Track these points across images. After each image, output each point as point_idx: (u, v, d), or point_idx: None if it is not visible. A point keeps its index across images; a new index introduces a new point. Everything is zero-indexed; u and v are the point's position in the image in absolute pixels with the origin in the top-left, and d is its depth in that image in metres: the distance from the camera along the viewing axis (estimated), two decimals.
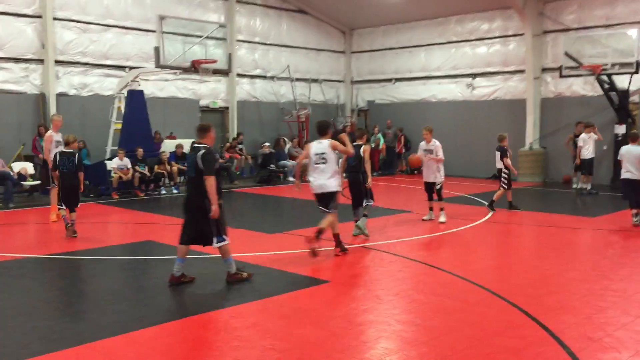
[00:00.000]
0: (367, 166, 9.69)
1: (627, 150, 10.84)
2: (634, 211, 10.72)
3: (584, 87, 17.93)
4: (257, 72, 21.23)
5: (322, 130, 8.70)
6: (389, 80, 22.80)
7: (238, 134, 19.87)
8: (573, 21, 18.09)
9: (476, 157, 19.22)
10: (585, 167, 15.32)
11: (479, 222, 11.35)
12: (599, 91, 16.79)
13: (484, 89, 20.23)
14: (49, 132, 11.63)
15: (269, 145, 19.45)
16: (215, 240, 6.96)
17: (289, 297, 6.57)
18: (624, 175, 10.81)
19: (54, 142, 11.24)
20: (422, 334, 5.45)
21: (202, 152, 6.84)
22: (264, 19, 21.25)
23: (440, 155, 11.16)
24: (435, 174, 11.22)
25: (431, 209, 11.46)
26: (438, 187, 11.24)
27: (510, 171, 12.34)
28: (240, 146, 19.41)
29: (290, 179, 18.82)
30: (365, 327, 5.66)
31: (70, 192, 9.94)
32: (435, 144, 11.19)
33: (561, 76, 17.21)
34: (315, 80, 22.78)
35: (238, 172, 18.87)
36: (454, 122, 20.25)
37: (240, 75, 20.61)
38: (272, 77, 21.56)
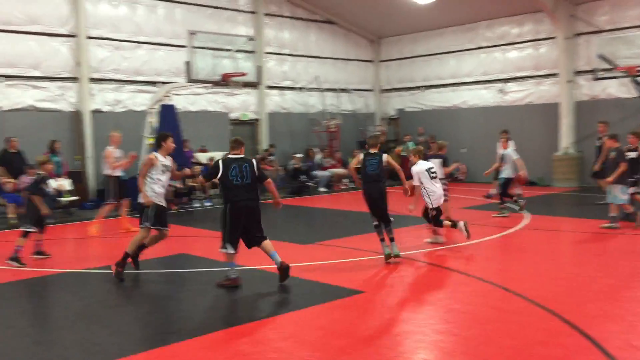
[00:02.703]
0: (401, 174, 9.35)
1: None
2: None
3: (619, 89, 17.54)
4: (286, 83, 21.37)
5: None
6: (419, 87, 22.70)
7: (270, 146, 19.99)
8: (606, 22, 17.76)
9: None
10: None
11: (513, 229, 11.16)
12: (635, 93, 16.42)
13: (516, 94, 19.99)
14: (110, 147, 11.98)
15: (299, 157, 19.43)
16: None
17: (324, 308, 6.55)
18: None
19: (113, 158, 11.71)
20: (461, 344, 5.36)
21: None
22: (292, 30, 21.40)
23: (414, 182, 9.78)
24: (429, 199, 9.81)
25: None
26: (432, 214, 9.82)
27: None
28: (271, 157, 19.51)
29: (321, 189, 18.82)
30: (402, 338, 5.60)
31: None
32: (413, 169, 9.91)
33: (596, 79, 16.90)
34: (344, 90, 22.81)
35: None
36: (486, 128, 20.01)
37: (269, 87, 20.76)
38: (301, 88, 21.67)
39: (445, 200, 10.92)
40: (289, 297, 7.00)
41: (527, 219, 12.07)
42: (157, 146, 8.44)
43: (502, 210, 12.62)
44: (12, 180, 13.79)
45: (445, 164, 11.27)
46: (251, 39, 17.67)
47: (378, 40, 23.89)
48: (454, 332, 5.70)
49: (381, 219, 8.67)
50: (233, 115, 19.94)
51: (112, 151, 11.85)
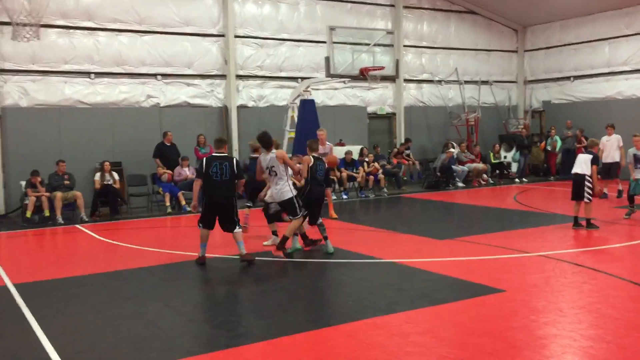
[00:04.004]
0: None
1: None
2: None
3: None
4: (424, 76, 21.06)
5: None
6: (568, 78, 21.30)
7: (406, 140, 19.85)
8: None
9: None
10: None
11: None
12: None
13: None
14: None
15: (453, 151, 18.88)
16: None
17: (462, 304, 6.39)
18: None
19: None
20: (614, 353, 4.98)
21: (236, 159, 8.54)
22: (431, 22, 21.03)
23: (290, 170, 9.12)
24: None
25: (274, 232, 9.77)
26: (272, 211, 9.45)
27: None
28: (407, 152, 19.37)
29: (459, 184, 18.36)
30: (547, 341, 5.31)
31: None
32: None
33: None
34: (485, 82, 22.02)
35: (405, 178, 18.82)
36: None
37: (407, 81, 20.60)
38: (439, 81, 21.25)
39: (587, 202, 10.24)
40: (427, 292, 6.91)
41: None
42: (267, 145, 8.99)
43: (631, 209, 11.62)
44: (168, 171, 14.99)
45: (593, 162, 10.50)
46: (389, 32, 17.62)
47: (523, 29, 22.74)
48: (607, 339, 5.30)
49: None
50: (370, 109, 20.05)
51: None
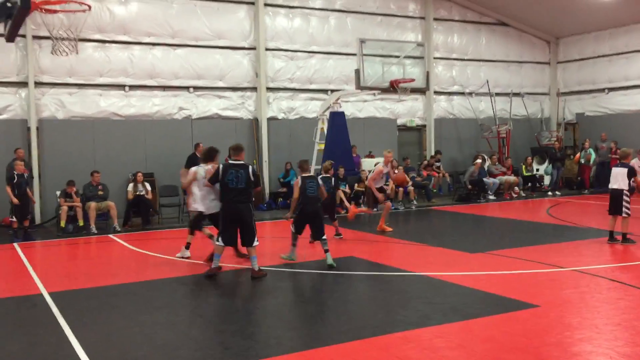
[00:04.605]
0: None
1: None
2: None
3: None
4: (454, 88, 20.96)
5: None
6: (602, 90, 20.97)
7: (436, 152, 19.73)
8: None
9: None
10: None
11: None
12: None
13: None
14: (380, 164, 12.70)
15: (480, 161, 18.65)
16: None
17: (494, 319, 6.30)
18: None
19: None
20: None
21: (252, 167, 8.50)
22: (462, 34, 20.95)
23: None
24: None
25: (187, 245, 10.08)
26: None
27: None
28: (437, 164, 19.24)
29: (490, 196, 18.15)
30: (582, 358, 5.20)
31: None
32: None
33: None
34: (516, 94, 21.79)
35: (435, 190, 18.69)
36: None
37: (437, 93, 20.52)
38: (470, 93, 21.11)
39: (625, 216, 10.03)
40: (458, 306, 6.83)
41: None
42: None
43: None
44: None
45: (632, 174, 10.26)
46: (420, 44, 17.64)
47: (555, 40, 22.49)
48: None
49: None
50: (400, 122, 20.01)
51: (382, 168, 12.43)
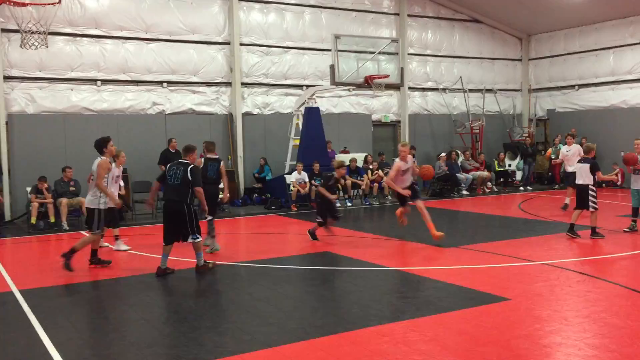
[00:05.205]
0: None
1: None
2: None
3: None
4: (428, 84, 21.13)
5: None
6: (572, 86, 21.35)
7: (410, 147, 19.81)
8: None
9: None
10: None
11: None
12: None
13: None
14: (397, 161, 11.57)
15: (444, 155, 18.81)
16: (190, 237, 8.35)
17: (467, 313, 6.40)
18: None
19: None
20: None
21: (191, 166, 8.36)
22: (436, 31, 21.11)
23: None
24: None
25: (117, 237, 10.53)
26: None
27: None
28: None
29: (464, 192, 18.35)
30: (552, 350, 5.32)
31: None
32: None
33: None
34: (489, 91, 22.07)
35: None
36: None
37: (411, 89, 20.66)
38: (444, 89, 21.30)
39: (592, 210, 10.22)
40: (432, 300, 6.92)
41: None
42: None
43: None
44: None
45: (594, 168, 10.32)
46: (394, 40, 17.71)
47: (527, 37, 22.82)
48: (611, 347, 5.30)
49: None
50: (375, 117, 20.10)
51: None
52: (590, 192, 10.32)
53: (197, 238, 8.42)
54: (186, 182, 8.32)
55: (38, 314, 6.66)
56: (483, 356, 5.13)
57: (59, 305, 7.11)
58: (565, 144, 19.53)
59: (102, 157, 9.03)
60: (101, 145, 9.11)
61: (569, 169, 14.30)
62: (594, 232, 10.43)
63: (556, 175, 19.79)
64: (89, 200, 9.06)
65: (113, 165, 9.64)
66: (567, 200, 14.23)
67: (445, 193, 18.14)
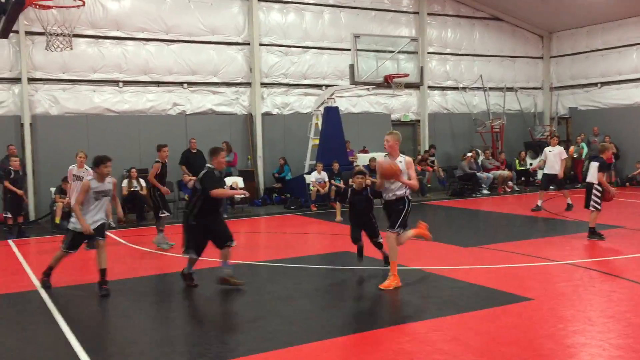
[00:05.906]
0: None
1: None
2: None
3: None
4: (448, 83, 21.01)
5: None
6: (595, 84, 21.07)
7: (430, 147, 19.79)
8: None
9: None
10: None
11: None
12: None
13: None
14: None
15: (470, 155, 18.70)
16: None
17: (489, 313, 6.36)
18: None
19: None
20: None
21: (199, 177, 7.84)
22: (456, 29, 20.98)
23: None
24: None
25: None
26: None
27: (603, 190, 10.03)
28: (432, 159, 19.30)
29: (484, 191, 18.21)
30: (575, 350, 5.26)
31: None
32: None
33: None
34: (510, 89, 21.87)
35: (429, 185, 18.74)
36: None
37: (431, 88, 20.56)
38: (464, 88, 21.17)
39: (594, 210, 9.95)
40: (453, 299, 6.89)
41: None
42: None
43: None
44: (193, 178, 15.11)
45: (600, 168, 9.99)
46: (414, 39, 17.64)
47: (549, 35, 22.57)
48: (636, 347, 5.23)
49: None
50: (394, 117, 20.05)
51: None
52: (594, 191, 10.02)
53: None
54: (194, 192, 7.86)
55: (63, 312, 6.76)
56: (505, 356, 5.10)
57: (83, 304, 7.21)
58: (589, 142, 19.41)
59: (88, 178, 7.95)
60: (97, 163, 7.81)
61: (546, 171, 13.98)
62: (592, 233, 10.11)
63: (578, 174, 19.54)
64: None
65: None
66: (540, 203, 13.99)
67: (466, 192, 18.03)
